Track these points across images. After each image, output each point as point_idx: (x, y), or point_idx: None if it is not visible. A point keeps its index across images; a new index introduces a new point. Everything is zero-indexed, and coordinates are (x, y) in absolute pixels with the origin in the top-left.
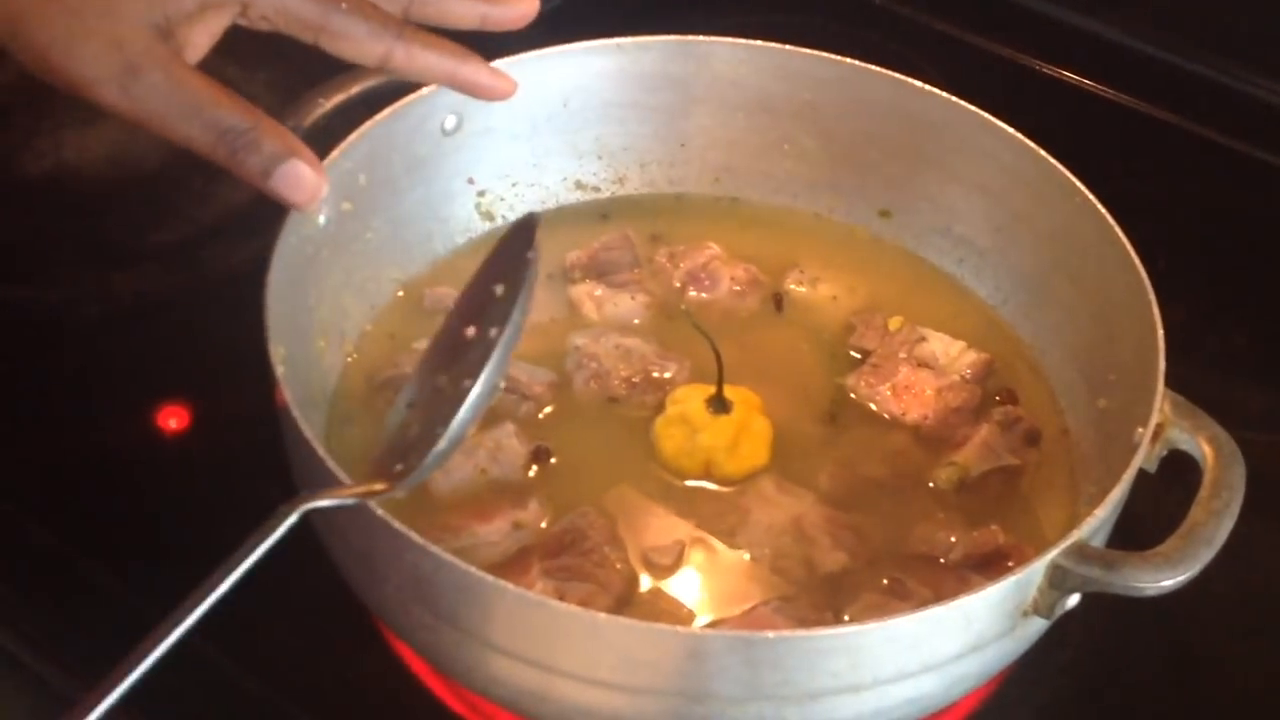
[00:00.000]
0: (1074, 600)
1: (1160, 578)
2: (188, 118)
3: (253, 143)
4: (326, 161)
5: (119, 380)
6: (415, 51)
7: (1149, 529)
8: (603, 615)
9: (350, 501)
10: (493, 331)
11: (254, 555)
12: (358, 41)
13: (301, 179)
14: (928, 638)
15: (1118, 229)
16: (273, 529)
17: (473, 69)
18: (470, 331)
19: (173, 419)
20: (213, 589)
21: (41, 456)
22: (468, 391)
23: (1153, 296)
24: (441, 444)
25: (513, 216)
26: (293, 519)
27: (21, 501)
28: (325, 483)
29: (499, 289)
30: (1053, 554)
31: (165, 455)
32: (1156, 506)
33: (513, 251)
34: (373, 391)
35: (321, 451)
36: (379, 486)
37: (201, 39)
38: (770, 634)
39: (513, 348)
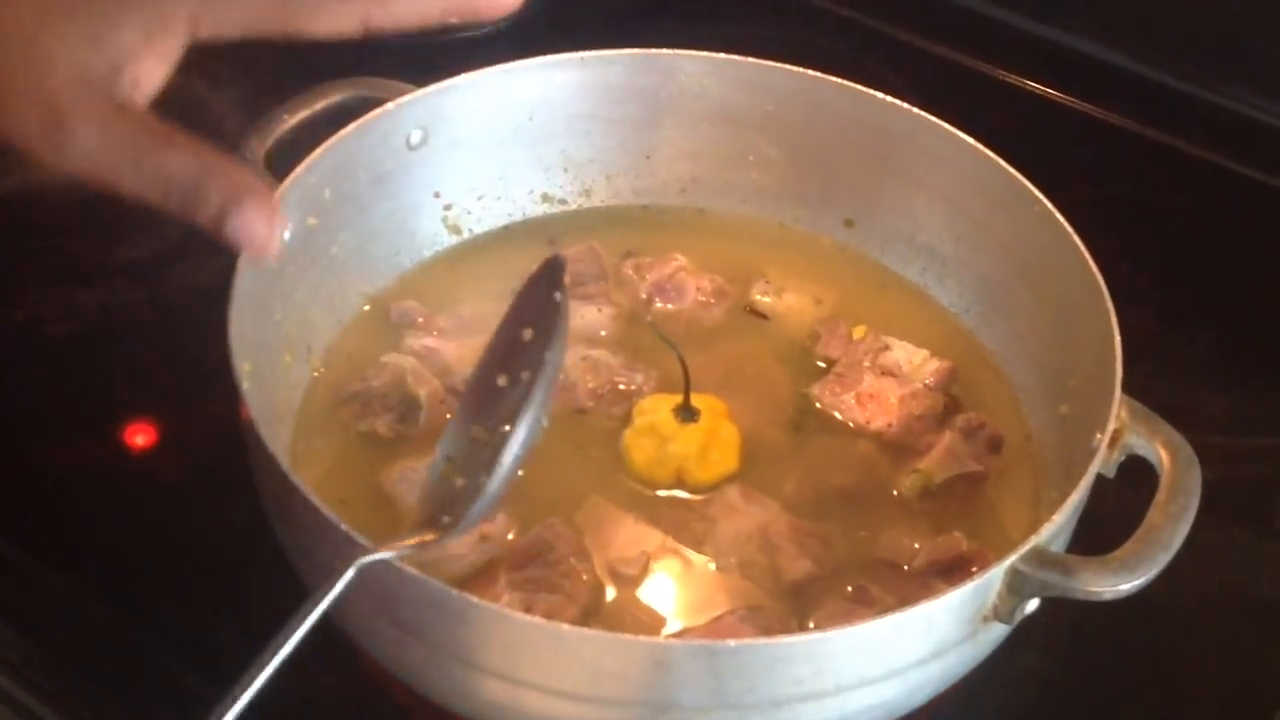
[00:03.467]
0: (1033, 605)
1: (1117, 582)
2: (129, 171)
3: (199, 194)
4: (291, 177)
5: (86, 397)
6: (393, 1)
7: (1113, 533)
8: (566, 627)
9: (406, 552)
10: (524, 375)
11: (316, 612)
12: (328, 13)
13: (252, 227)
14: (889, 644)
15: (1075, 236)
16: (330, 587)
17: None
18: (502, 380)
19: (140, 435)
20: (277, 651)
21: (8, 473)
22: (508, 436)
23: (1110, 303)
24: (491, 487)
25: (479, 230)
26: (349, 575)
27: None
28: (291, 499)
29: (527, 334)
30: (1011, 559)
31: (132, 472)
32: (1121, 511)
33: (538, 294)
34: (339, 406)
35: (285, 466)
36: (430, 536)
37: (156, 71)
38: (733, 643)
39: (552, 389)
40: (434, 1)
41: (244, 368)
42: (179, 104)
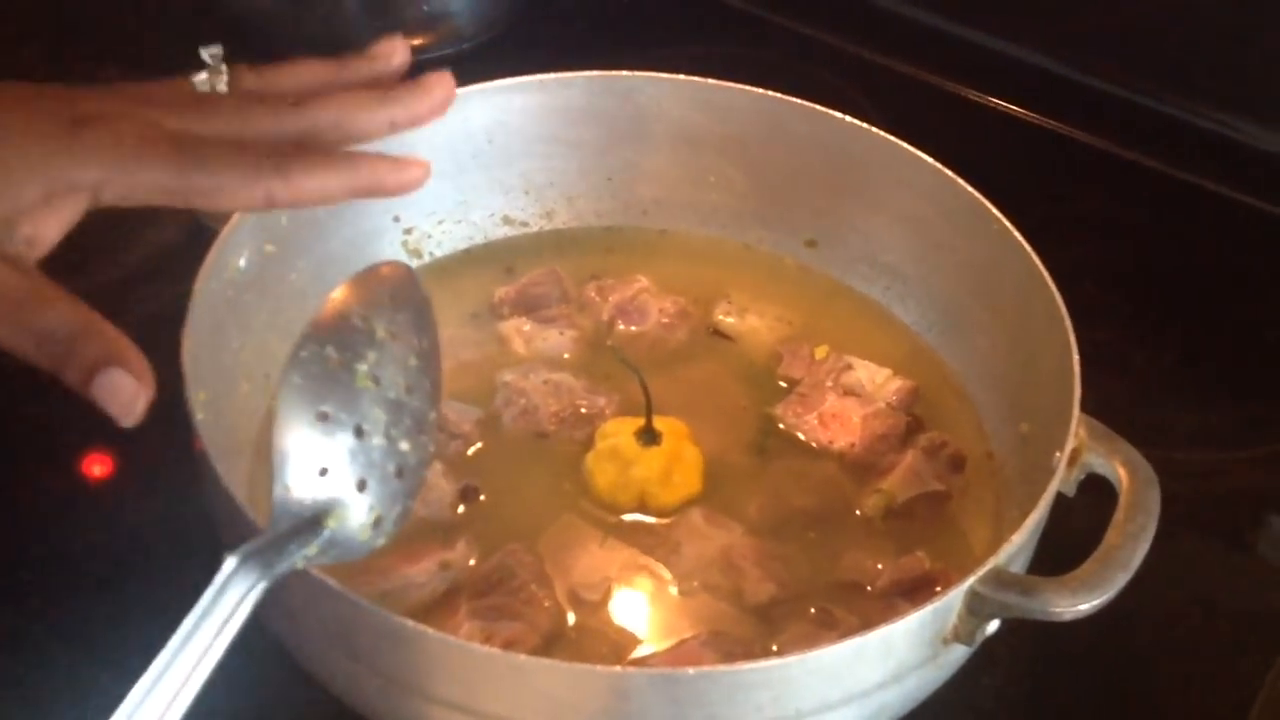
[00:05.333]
0: (994, 626)
1: (1076, 602)
2: (5, 321)
3: (72, 351)
4: None
5: (43, 427)
6: (298, 180)
7: (1079, 551)
8: (524, 657)
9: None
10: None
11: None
12: (233, 192)
13: (119, 390)
14: (849, 668)
15: (1034, 255)
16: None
17: (369, 170)
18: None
19: (97, 466)
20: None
21: None
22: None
23: (1068, 321)
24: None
25: (440, 253)
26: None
27: None
28: (245, 529)
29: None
30: (970, 581)
31: (89, 502)
32: (1087, 528)
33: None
34: None
35: (239, 498)
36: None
37: (51, 231)
38: (692, 670)
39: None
40: (339, 181)
41: (199, 396)
42: None
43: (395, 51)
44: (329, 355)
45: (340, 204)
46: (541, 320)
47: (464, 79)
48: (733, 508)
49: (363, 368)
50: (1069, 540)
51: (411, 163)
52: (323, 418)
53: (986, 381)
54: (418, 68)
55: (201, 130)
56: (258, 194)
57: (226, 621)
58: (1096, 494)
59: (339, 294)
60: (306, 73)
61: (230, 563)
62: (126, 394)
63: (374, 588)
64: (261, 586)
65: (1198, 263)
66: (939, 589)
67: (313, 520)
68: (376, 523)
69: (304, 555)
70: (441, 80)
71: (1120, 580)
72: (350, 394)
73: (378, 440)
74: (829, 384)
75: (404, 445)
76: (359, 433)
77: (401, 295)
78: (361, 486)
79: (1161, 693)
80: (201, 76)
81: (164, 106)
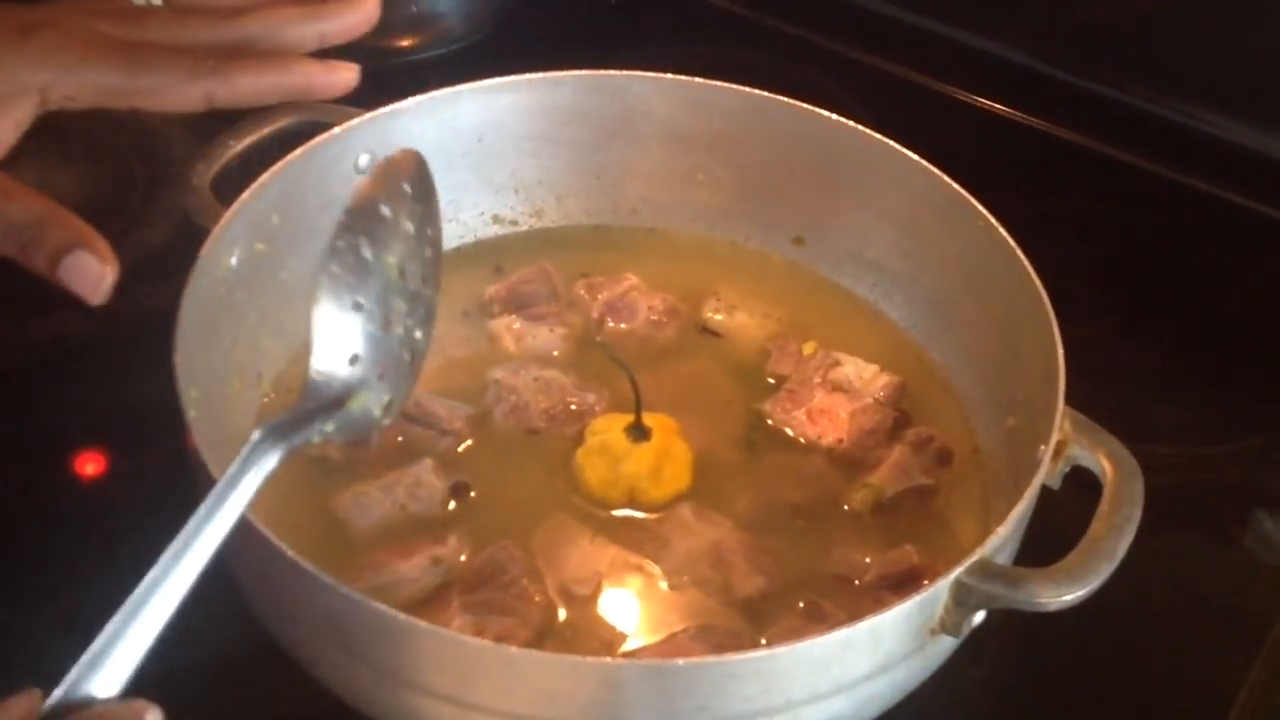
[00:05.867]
0: (980, 617)
1: (1061, 593)
2: None
3: (38, 236)
4: (239, 202)
5: (36, 427)
6: (235, 80)
7: (1066, 544)
8: (515, 649)
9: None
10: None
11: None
12: (173, 91)
13: (86, 269)
14: (838, 659)
15: (1018, 251)
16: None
17: (302, 72)
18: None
19: (90, 465)
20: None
21: None
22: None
23: (1053, 316)
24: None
25: None
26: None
27: None
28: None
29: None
30: (956, 572)
31: (82, 501)
32: (1073, 521)
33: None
34: None
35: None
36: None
37: (6, 133)
38: (681, 661)
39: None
40: (272, 80)
41: (191, 395)
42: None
43: None
44: (363, 246)
45: (274, 100)
46: (531, 318)
47: (453, 79)
48: (722, 503)
49: (392, 260)
50: (1054, 534)
51: (342, 66)
52: (357, 307)
53: (973, 377)
54: (404, 69)
55: (141, 37)
56: (196, 92)
57: (248, 486)
58: (1081, 489)
59: (368, 185)
60: None
61: (256, 434)
62: (93, 273)
63: (366, 583)
64: (278, 454)
65: (1182, 259)
66: (926, 582)
67: (337, 400)
68: (388, 406)
69: (323, 431)
70: None
71: (1105, 571)
72: (381, 285)
73: (399, 330)
74: (817, 380)
75: (418, 334)
76: (386, 323)
77: (418, 184)
78: (383, 374)
79: (1146, 685)
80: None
81: (106, 17)
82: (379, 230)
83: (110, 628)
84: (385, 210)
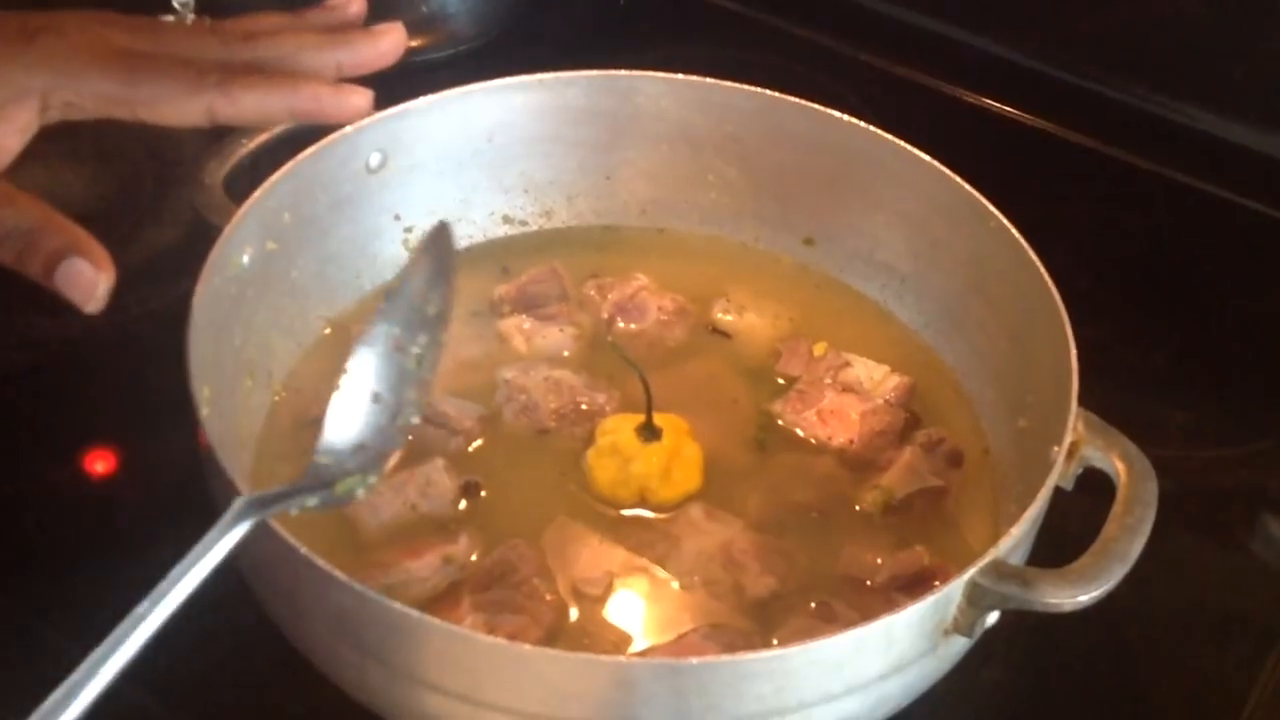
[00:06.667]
0: (993, 618)
1: (1075, 594)
2: None
3: (34, 243)
4: (250, 201)
5: (46, 425)
6: (239, 96)
7: (1077, 546)
8: (528, 647)
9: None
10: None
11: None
12: (174, 103)
13: (80, 276)
14: (850, 659)
15: (1031, 252)
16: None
17: (310, 94)
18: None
19: (100, 462)
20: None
21: None
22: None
23: (1066, 317)
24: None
25: None
26: (237, 509)
27: None
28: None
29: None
30: (970, 572)
31: (92, 499)
32: (1084, 523)
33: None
34: (301, 430)
35: (245, 492)
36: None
37: (10, 140)
38: (695, 660)
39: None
40: (280, 100)
41: (203, 393)
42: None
43: (351, 2)
44: (394, 336)
45: (282, 125)
46: (541, 318)
47: (464, 79)
48: (732, 503)
49: (415, 351)
50: (1067, 537)
51: (353, 90)
52: (375, 399)
53: (984, 378)
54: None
55: (150, 49)
56: (198, 106)
57: (220, 549)
58: (1094, 493)
59: (416, 269)
60: (264, 20)
61: (239, 503)
62: (86, 280)
63: (377, 582)
64: (252, 523)
65: (1193, 262)
66: (937, 583)
67: (329, 481)
68: (370, 487)
69: (302, 505)
70: (392, 30)
71: (1118, 572)
72: (400, 376)
73: (402, 419)
74: (827, 381)
75: (415, 420)
76: (395, 413)
77: (447, 265)
78: (378, 460)
79: (1155, 688)
80: (167, 18)
81: (117, 27)
82: (410, 318)
83: (76, 675)
84: (418, 299)
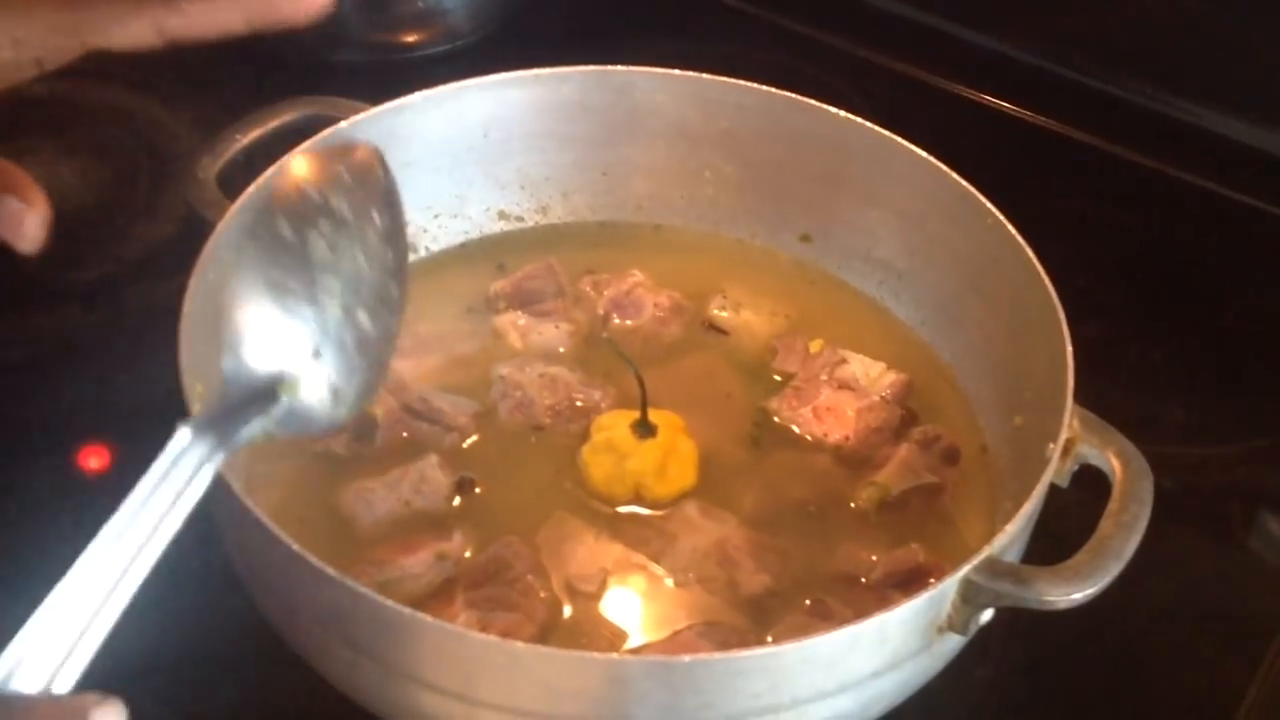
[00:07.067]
0: (988, 616)
1: (1070, 591)
2: None
3: None
4: (244, 197)
5: (40, 420)
6: (186, 7)
7: (1072, 543)
8: (521, 645)
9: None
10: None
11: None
12: (120, 23)
13: (9, 216)
14: (844, 657)
15: (1028, 249)
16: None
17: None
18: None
19: (94, 459)
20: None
21: None
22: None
23: (1062, 314)
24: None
25: (436, 248)
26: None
27: None
28: (245, 523)
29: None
30: (965, 570)
31: (86, 495)
32: (1080, 521)
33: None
34: None
35: (236, 488)
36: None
37: None
38: (688, 658)
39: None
40: (232, 9)
41: (196, 390)
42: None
43: None
44: (281, 226)
45: (238, 32)
46: (537, 314)
47: (460, 74)
48: (728, 500)
49: (316, 238)
50: (1062, 535)
51: None
52: (274, 285)
53: (980, 375)
54: (411, 64)
55: None
56: (144, 24)
57: (181, 494)
58: (1090, 491)
59: (299, 167)
60: None
61: (184, 433)
62: (13, 215)
63: (370, 579)
64: (218, 457)
65: (1190, 258)
66: (932, 580)
67: (267, 390)
68: (335, 394)
69: (263, 427)
70: None
71: (1113, 570)
72: (302, 263)
73: (333, 310)
74: (823, 377)
75: (362, 316)
76: (313, 302)
77: (366, 177)
78: (316, 355)
79: (1151, 686)
80: None
81: None
82: (302, 209)
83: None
84: (313, 194)
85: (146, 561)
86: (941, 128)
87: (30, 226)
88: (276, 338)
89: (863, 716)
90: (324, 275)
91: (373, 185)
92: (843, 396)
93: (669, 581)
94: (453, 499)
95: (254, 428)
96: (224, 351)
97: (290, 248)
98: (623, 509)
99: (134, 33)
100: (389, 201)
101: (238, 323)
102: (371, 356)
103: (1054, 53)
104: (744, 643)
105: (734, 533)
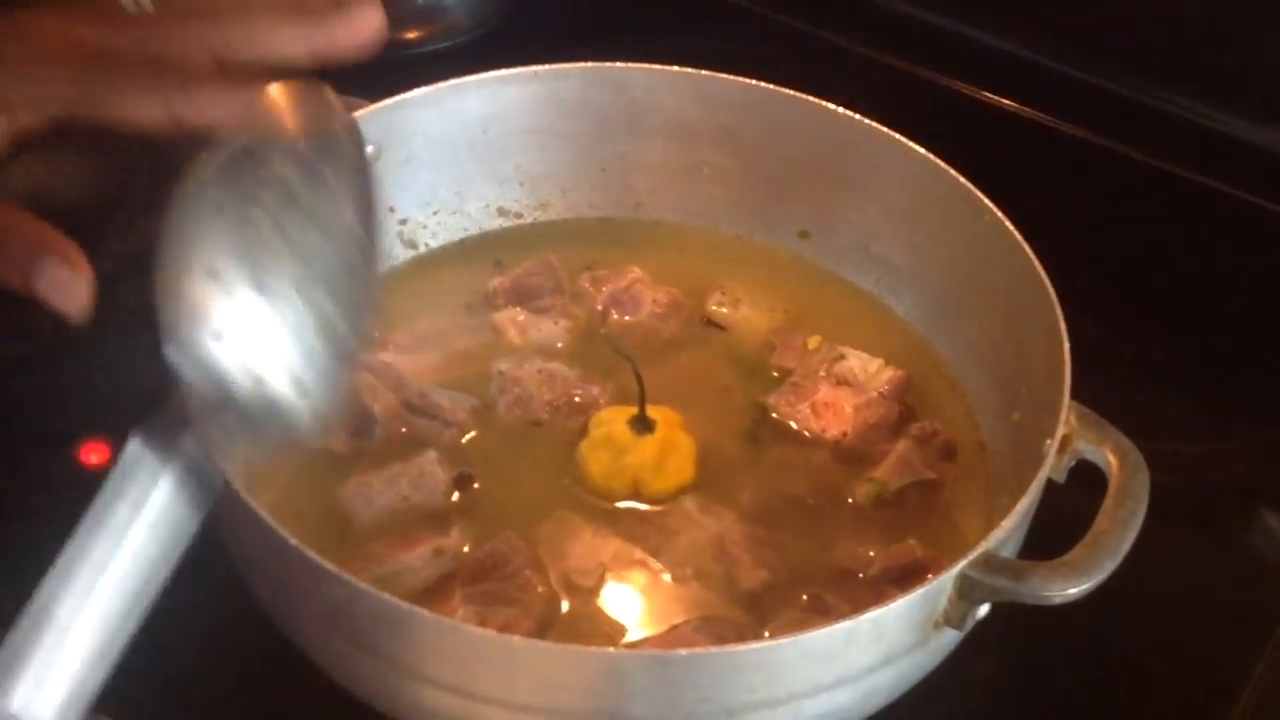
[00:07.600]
0: (984, 610)
1: (1065, 586)
2: None
3: (2, 244)
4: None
5: (40, 416)
6: (199, 95)
7: (1069, 539)
8: (519, 639)
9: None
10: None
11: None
12: (131, 101)
13: (58, 281)
14: (841, 651)
15: (1025, 245)
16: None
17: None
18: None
19: (94, 454)
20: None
21: None
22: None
23: (1059, 311)
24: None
25: (434, 244)
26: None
27: None
28: (243, 518)
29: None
30: (961, 565)
31: (87, 491)
32: (1077, 516)
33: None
34: None
35: (235, 485)
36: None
37: None
38: (685, 652)
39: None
40: (239, 103)
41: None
42: None
43: None
44: (216, 198)
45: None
46: (535, 310)
47: (459, 71)
48: (726, 496)
49: (258, 212)
50: (1059, 531)
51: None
52: (211, 273)
53: (978, 371)
54: (410, 61)
55: (114, 41)
56: (156, 106)
57: (141, 508)
58: (1086, 487)
59: (248, 126)
60: None
61: (135, 444)
62: (64, 279)
63: (369, 574)
64: (175, 466)
65: (1188, 256)
66: (930, 576)
67: (220, 390)
68: (300, 389)
69: (223, 429)
70: (367, 7)
71: (1109, 565)
72: (245, 242)
73: (289, 294)
74: (821, 373)
75: (321, 297)
76: (260, 287)
77: (312, 122)
78: (271, 346)
79: (1149, 682)
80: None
81: (79, 19)
82: (239, 179)
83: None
84: (248, 157)
85: (117, 577)
86: (940, 125)
87: (80, 294)
88: (218, 330)
89: (860, 711)
90: (271, 256)
91: (324, 134)
92: (841, 392)
93: (667, 576)
94: (451, 494)
95: (212, 431)
96: (163, 347)
97: (228, 225)
98: (621, 504)
99: (144, 113)
100: (345, 154)
101: (173, 312)
102: (341, 345)
103: (1054, 50)
104: (741, 637)
105: (732, 528)
